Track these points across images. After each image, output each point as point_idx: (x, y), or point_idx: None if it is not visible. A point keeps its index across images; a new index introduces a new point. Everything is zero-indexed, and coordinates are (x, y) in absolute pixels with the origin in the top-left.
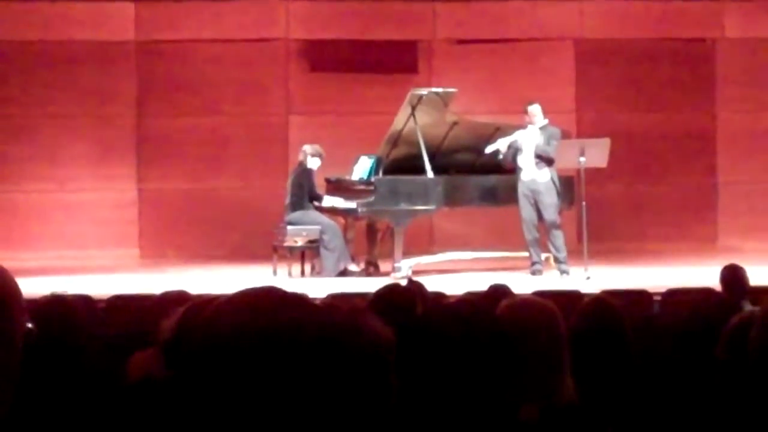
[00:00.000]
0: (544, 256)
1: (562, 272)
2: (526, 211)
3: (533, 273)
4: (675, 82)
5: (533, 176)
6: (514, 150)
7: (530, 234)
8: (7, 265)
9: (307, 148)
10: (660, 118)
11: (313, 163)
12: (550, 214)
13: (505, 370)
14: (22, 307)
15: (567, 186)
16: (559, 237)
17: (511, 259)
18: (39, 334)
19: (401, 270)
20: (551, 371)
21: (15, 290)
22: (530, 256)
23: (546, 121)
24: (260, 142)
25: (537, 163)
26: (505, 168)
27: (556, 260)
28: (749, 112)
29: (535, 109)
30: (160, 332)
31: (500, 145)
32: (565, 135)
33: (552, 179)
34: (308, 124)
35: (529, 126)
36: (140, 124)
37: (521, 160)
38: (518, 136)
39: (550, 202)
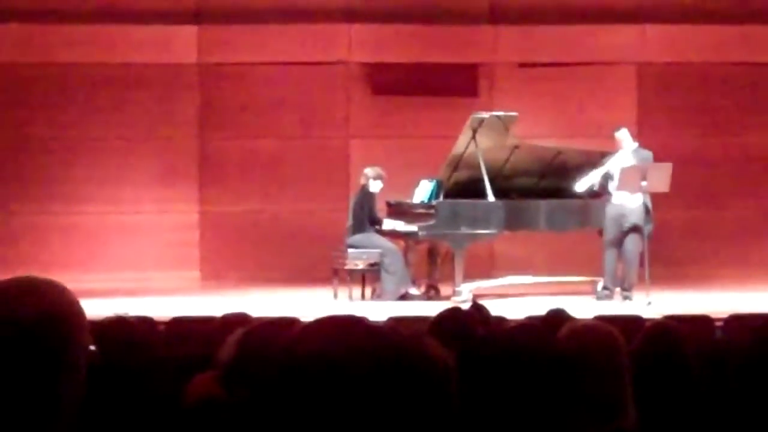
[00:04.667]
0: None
1: (625, 298)
2: (610, 233)
3: (599, 298)
4: (738, 106)
5: (623, 201)
6: (606, 178)
7: (610, 260)
8: (70, 286)
9: (369, 171)
10: (722, 142)
11: (375, 186)
12: (634, 231)
13: (566, 395)
14: (85, 328)
15: None
16: (634, 260)
17: (572, 284)
18: (102, 356)
19: (462, 294)
20: (612, 397)
21: (79, 311)
22: (604, 281)
23: (636, 145)
24: (321, 165)
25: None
26: (574, 190)
27: (622, 285)
28: None
29: (622, 134)
30: (220, 355)
31: (593, 179)
32: (657, 158)
33: (645, 204)
34: (369, 147)
35: (620, 152)
36: (202, 147)
37: (612, 186)
38: (609, 166)
39: (637, 220)
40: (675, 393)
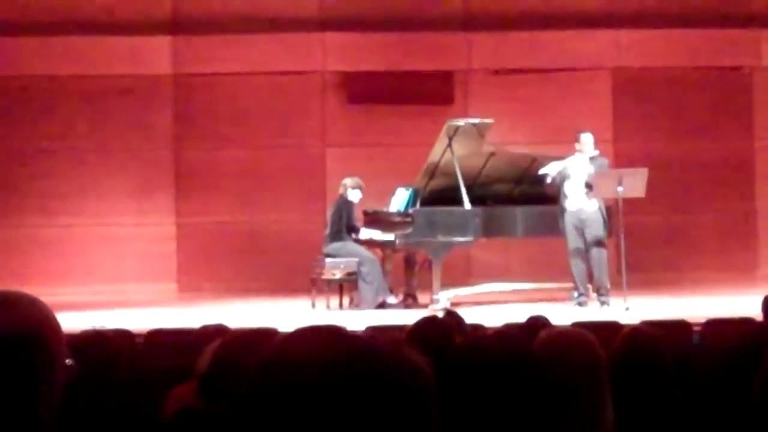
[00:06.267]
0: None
1: (602, 303)
2: (574, 242)
3: (580, 304)
4: (712, 110)
5: (581, 205)
6: (562, 177)
7: (577, 265)
8: (46, 299)
9: (348, 181)
10: (698, 146)
11: (354, 196)
12: (597, 244)
13: (544, 402)
14: (62, 341)
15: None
16: (603, 267)
17: (549, 290)
18: (78, 369)
19: (439, 301)
20: (590, 403)
21: (55, 325)
22: (576, 287)
23: (597, 152)
24: (297, 175)
25: (586, 193)
26: (548, 193)
27: (597, 291)
28: None
29: (587, 138)
30: (197, 366)
31: (550, 169)
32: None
33: (600, 209)
34: (345, 156)
35: (578, 154)
36: (177, 158)
37: (568, 188)
38: (568, 164)
39: (598, 232)
40: (652, 398)
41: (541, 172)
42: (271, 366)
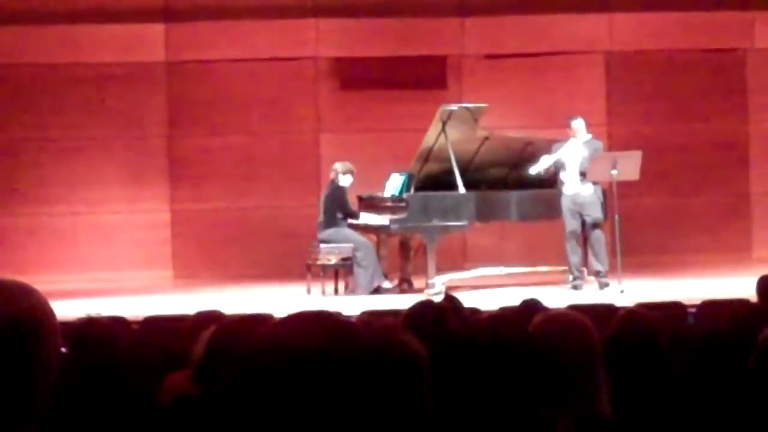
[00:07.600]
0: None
1: (602, 285)
2: (571, 226)
3: (575, 288)
4: (706, 92)
5: (577, 190)
6: (558, 166)
7: (574, 249)
8: (41, 288)
9: (338, 166)
10: (692, 129)
11: (345, 181)
12: (595, 226)
13: (540, 384)
14: (57, 330)
15: None
16: (602, 249)
17: (544, 274)
18: (73, 357)
19: (435, 286)
20: (586, 385)
21: (49, 313)
22: (571, 271)
23: (589, 136)
24: (291, 161)
25: (581, 179)
26: (544, 180)
27: (597, 273)
28: None
29: (578, 124)
30: (193, 352)
31: (541, 166)
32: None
33: (596, 192)
34: (339, 142)
35: (572, 140)
36: (171, 145)
37: (564, 175)
38: (561, 154)
39: (595, 213)
40: (649, 380)
41: (532, 171)
42: (262, 351)
